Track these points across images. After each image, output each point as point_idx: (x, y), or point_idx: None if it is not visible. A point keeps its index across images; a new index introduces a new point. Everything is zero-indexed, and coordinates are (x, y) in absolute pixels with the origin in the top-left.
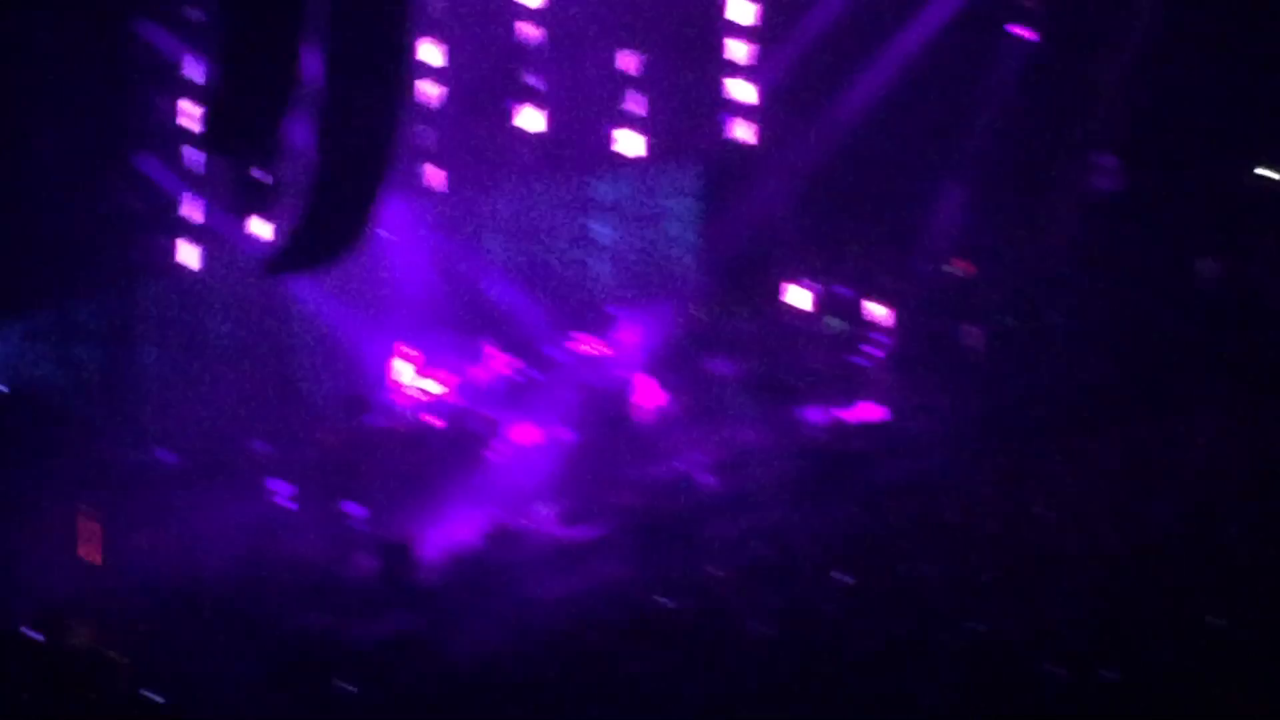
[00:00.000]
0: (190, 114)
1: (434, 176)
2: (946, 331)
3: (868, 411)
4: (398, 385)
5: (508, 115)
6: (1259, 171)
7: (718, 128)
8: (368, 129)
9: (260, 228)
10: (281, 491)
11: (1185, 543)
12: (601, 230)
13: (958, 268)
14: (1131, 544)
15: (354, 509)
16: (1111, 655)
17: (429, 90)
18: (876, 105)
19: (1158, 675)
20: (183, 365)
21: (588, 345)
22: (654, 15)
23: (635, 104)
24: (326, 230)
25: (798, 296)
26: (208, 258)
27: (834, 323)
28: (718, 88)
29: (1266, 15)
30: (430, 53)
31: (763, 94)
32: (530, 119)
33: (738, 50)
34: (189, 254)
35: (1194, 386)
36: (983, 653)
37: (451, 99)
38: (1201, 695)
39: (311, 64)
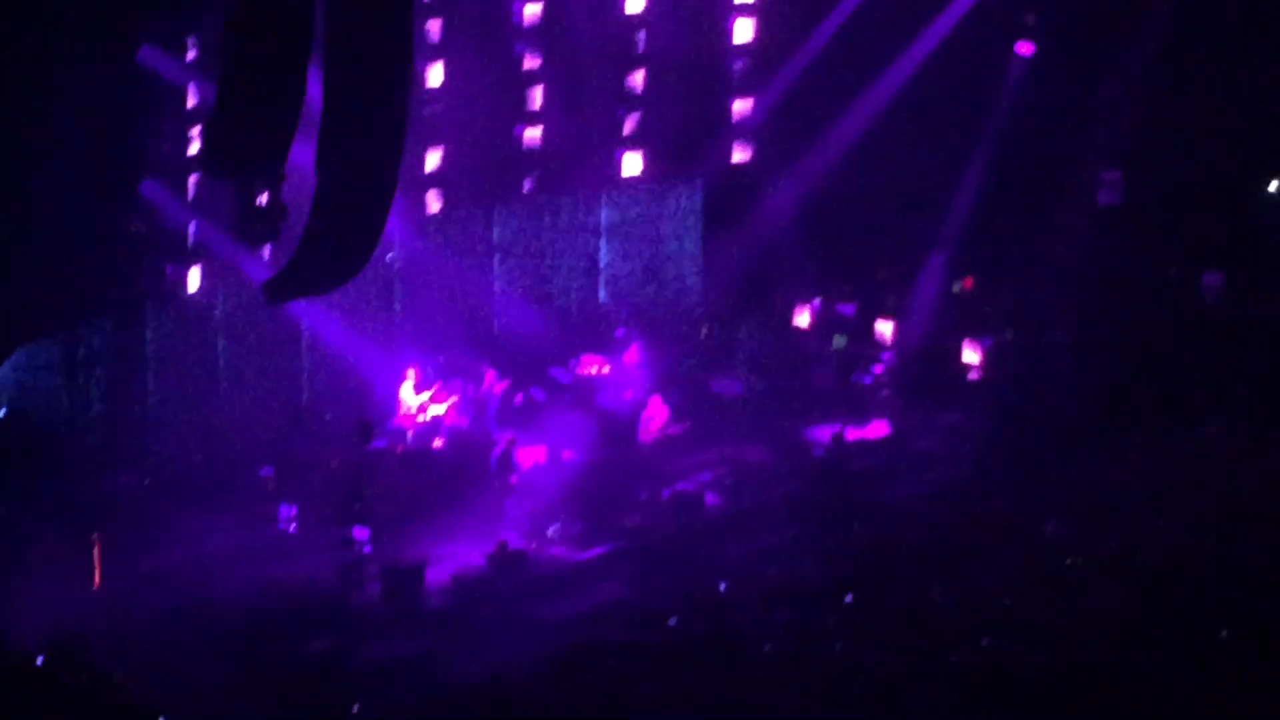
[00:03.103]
0: (196, 141)
1: (437, 199)
2: (952, 348)
3: (874, 429)
4: (404, 409)
5: (510, 137)
6: (1265, 186)
7: (721, 148)
8: (371, 153)
9: (265, 253)
10: (288, 516)
11: (1197, 557)
12: (606, 251)
13: (963, 285)
14: (1143, 559)
15: (360, 533)
16: (1125, 670)
17: (431, 113)
18: (880, 123)
19: (1172, 690)
20: (189, 391)
21: (593, 366)
22: (656, 36)
23: (638, 124)
24: (331, 254)
25: (802, 316)
26: (213, 283)
27: (839, 341)
28: (720, 107)
29: (1272, 30)
30: (433, 75)
31: (765, 113)
32: (532, 141)
33: (740, 70)
34: (195, 280)
35: (1201, 401)
36: (994, 670)
37: (454, 121)
38: (1216, 709)
39: (315, 89)
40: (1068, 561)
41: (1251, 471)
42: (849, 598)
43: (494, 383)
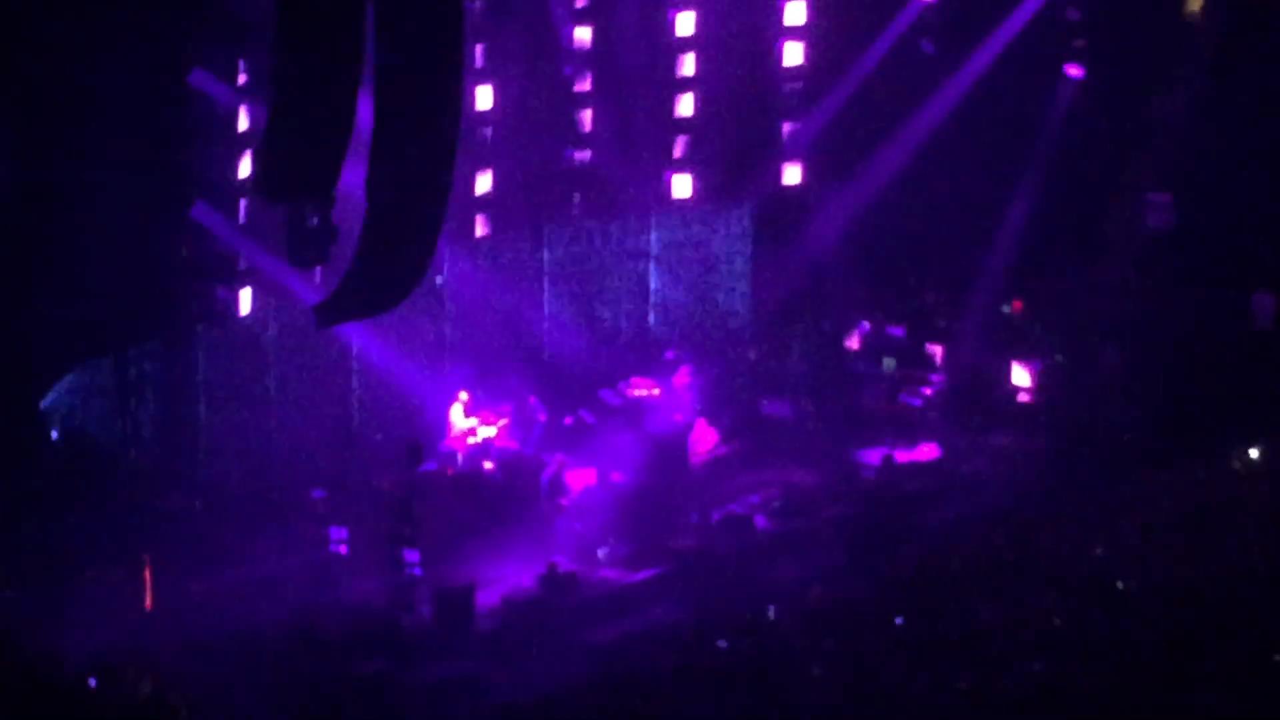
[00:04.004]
0: (247, 165)
1: (488, 222)
2: (1001, 370)
3: (924, 452)
4: (454, 432)
5: (560, 160)
6: None
7: (770, 170)
8: (422, 175)
9: (316, 276)
10: (339, 538)
11: (1249, 580)
12: (655, 273)
13: (1012, 307)
14: (1193, 582)
15: (411, 555)
16: (1176, 693)
17: (481, 135)
18: (929, 146)
19: (1225, 714)
20: (240, 413)
21: (643, 389)
22: (705, 58)
23: (687, 147)
24: (382, 277)
25: (851, 338)
26: (264, 306)
27: (888, 363)
28: (770, 130)
29: None
30: (482, 98)
31: (814, 136)
32: (582, 163)
33: (789, 92)
34: (246, 303)
35: (1253, 423)
36: (1045, 694)
37: (503, 144)
38: None
39: (365, 111)
40: (1119, 584)
41: None
42: (899, 620)
43: (537, 407)
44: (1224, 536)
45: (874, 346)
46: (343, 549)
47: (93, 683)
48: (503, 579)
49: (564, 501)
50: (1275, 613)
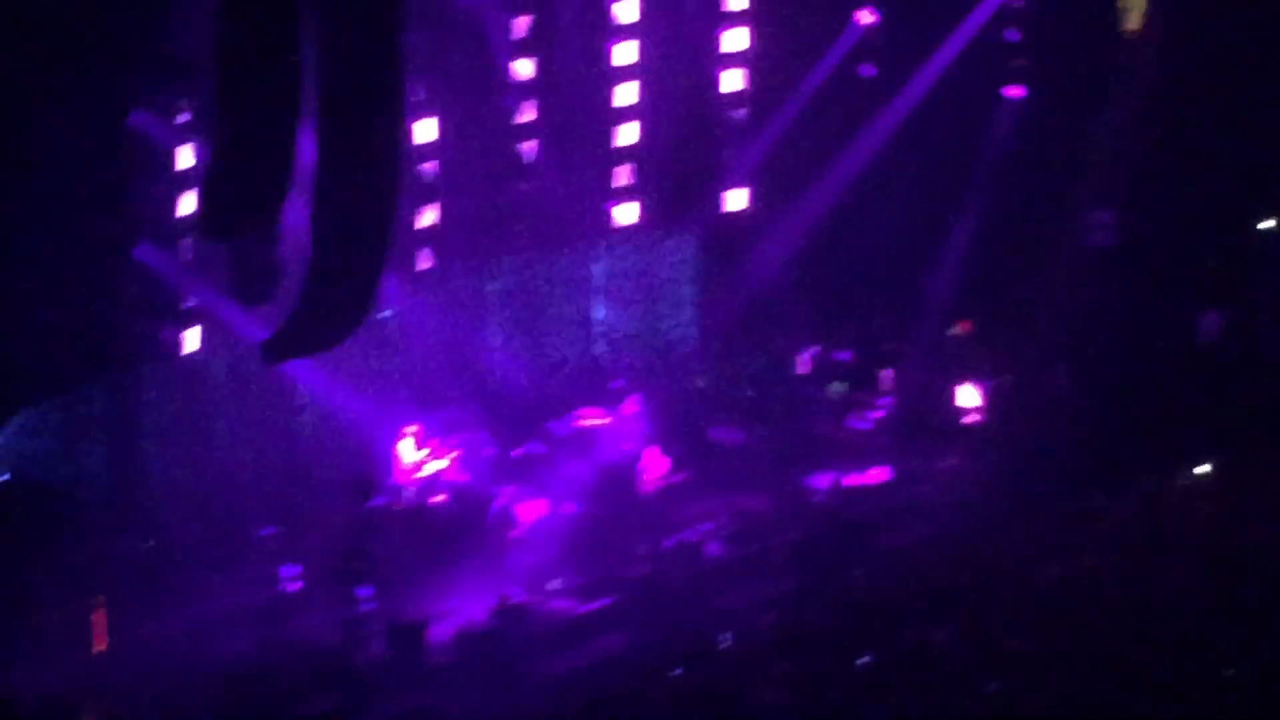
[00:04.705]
0: (190, 203)
1: (432, 256)
2: (950, 392)
3: (874, 475)
4: (403, 466)
5: (504, 191)
6: (1258, 224)
7: (714, 196)
8: (365, 210)
9: (262, 312)
10: (290, 575)
11: (1200, 596)
12: (602, 302)
13: (959, 328)
14: (1146, 602)
15: (363, 591)
16: (1131, 712)
17: (424, 169)
18: (872, 170)
19: None
20: (188, 452)
21: (591, 419)
22: (647, 86)
23: (631, 176)
24: (327, 313)
25: (799, 362)
26: (211, 344)
27: (837, 387)
28: (713, 156)
29: (1261, 68)
30: (424, 131)
31: (758, 161)
32: (526, 194)
33: (731, 119)
34: (192, 341)
35: (1200, 439)
36: (1001, 715)
37: (447, 177)
38: None
39: (307, 147)
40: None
41: (1251, 509)
42: (854, 646)
43: (494, 438)
44: (1174, 554)
45: (822, 371)
46: (294, 586)
47: None
48: (455, 612)
49: (515, 533)
50: (1225, 629)
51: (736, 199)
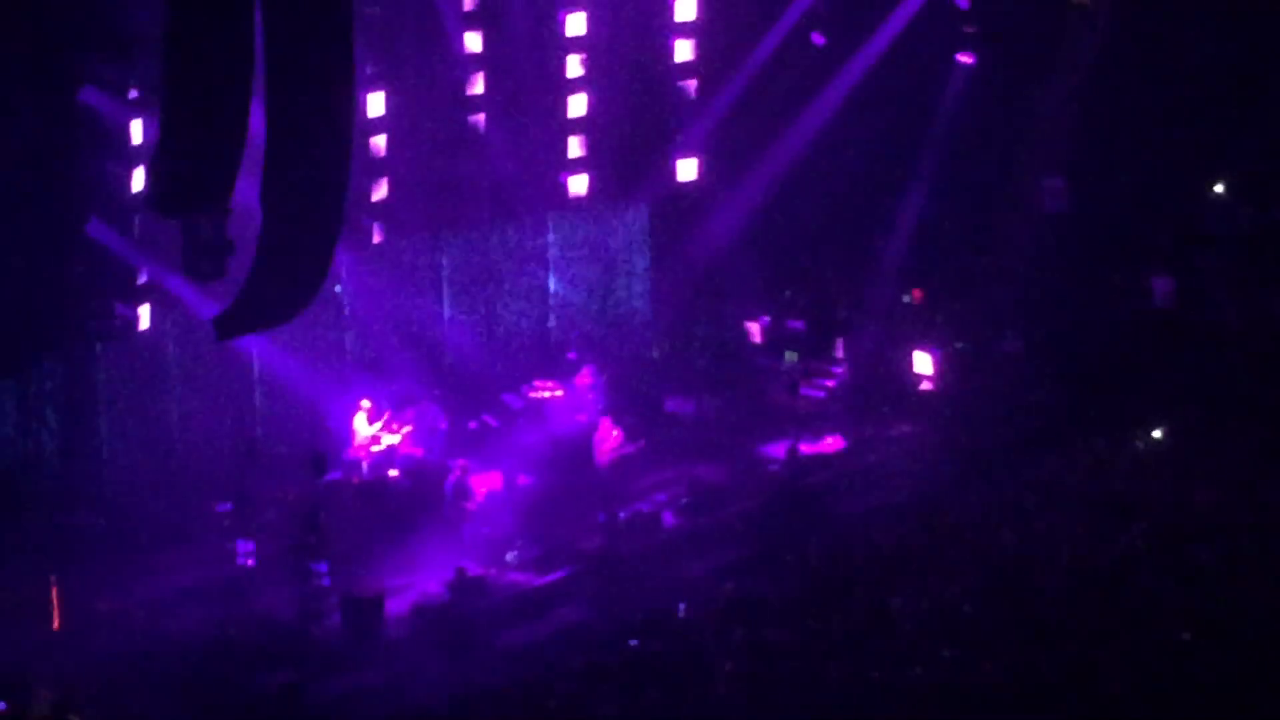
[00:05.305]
0: (140, 180)
1: (384, 229)
2: (903, 360)
3: (828, 444)
4: (358, 440)
5: (455, 165)
6: (1209, 189)
7: (666, 167)
8: (316, 185)
9: (214, 288)
10: (246, 551)
11: (1151, 560)
12: (554, 274)
13: (912, 296)
14: (1098, 565)
15: (319, 565)
16: (1084, 676)
17: (375, 142)
18: (824, 137)
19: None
20: (143, 429)
21: (546, 391)
22: (597, 58)
23: (582, 147)
24: (280, 288)
25: (752, 332)
26: (164, 321)
27: (790, 356)
28: (664, 127)
29: (1207, 37)
30: (375, 105)
31: (709, 131)
32: (478, 167)
33: (682, 90)
34: (145, 318)
35: (1153, 404)
36: (956, 680)
37: (398, 151)
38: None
39: (258, 124)
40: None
41: (1202, 473)
42: (810, 612)
43: (437, 413)
44: (1128, 518)
45: (776, 340)
46: (250, 561)
47: (1, 705)
48: (412, 586)
49: (470, 506)
50: (1179, 592)
51: (688, 169)
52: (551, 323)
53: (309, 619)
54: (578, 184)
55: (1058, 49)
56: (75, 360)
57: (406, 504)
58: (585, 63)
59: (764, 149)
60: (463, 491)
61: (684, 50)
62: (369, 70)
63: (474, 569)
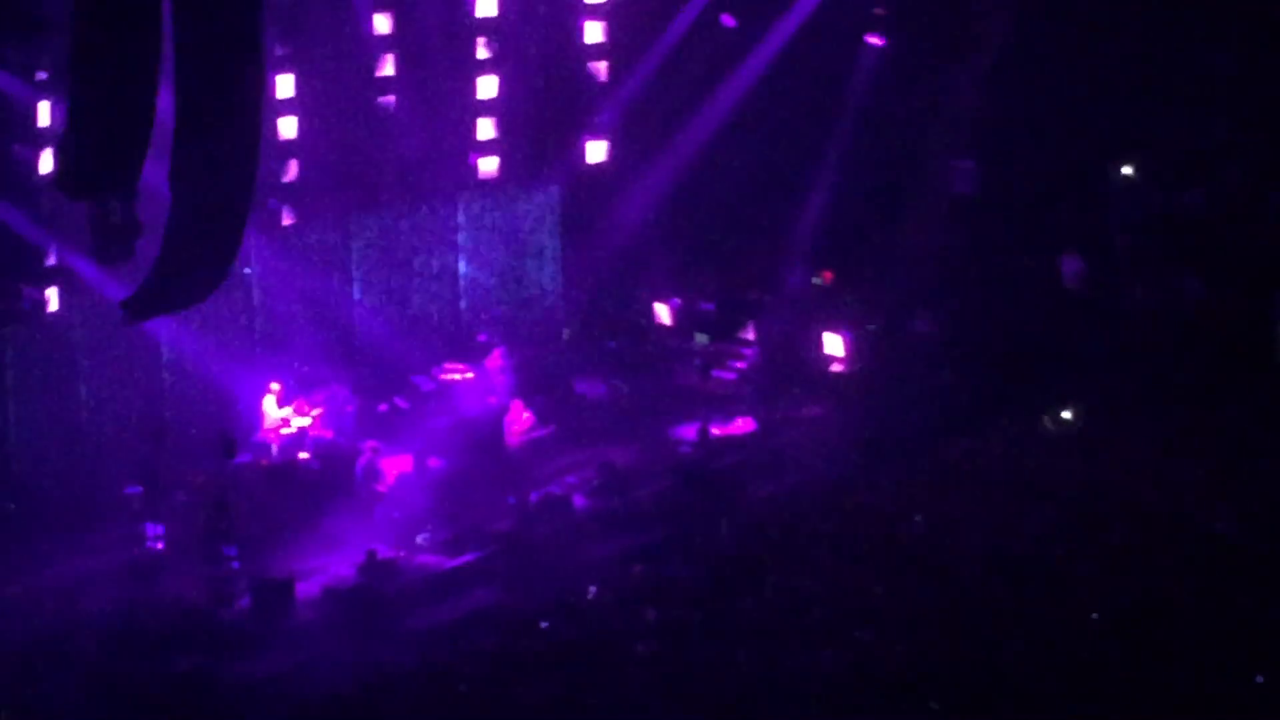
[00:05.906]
0: (49, 162)
1: (293, 211)
2: (814, 341)
3: (739, 426)
4: (267, 422)
5: (364, 146)
6: (1114, 170)
7: (576, 149)
8: (225, 166)
9: (122, 271)
10: (155, 534)
11: (1063, 544)
12: (464, 256)
13: (823, 278)
14: (1009, 548)
15: (229, 549)
16: (997, 658)
17: (284, 124)
18: (734, 119)
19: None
20: (51, 412)
21: (456, 373)
22: (507, 39)
23: (493, 129)
24: (188, 270)
25: (663, 314)
26: (72, 304)
27: (701, 338)
28: (574, 109)
29: (1116, 18)
30: (284, 87)
31: (620, 113)
32: (387, 149)
33: (592, 71)
34: (53, 301)
35: (1063, 385)
36: (867, 662)
37: (307, 132)
38: (1085, 694)
39: (166, 103)
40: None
41: (1113, 455)
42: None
43: (346, 395)
44: (1039, 500)
45: (686, 322)
46: (159, 545)
47: None
48: (322, 569)
49: (381, 488)
50: (1091, 574)
51: (597, 151)
52: (462, 305)
53: (219, 602)
54: (488, 165)
55: (967, 31)
56: None
57: (317, 486)
58: (495, 45)
59: (674, 131)
60: (373, 474)
61: (594, 32)
62: (278, 52)
63: (385, 551)
